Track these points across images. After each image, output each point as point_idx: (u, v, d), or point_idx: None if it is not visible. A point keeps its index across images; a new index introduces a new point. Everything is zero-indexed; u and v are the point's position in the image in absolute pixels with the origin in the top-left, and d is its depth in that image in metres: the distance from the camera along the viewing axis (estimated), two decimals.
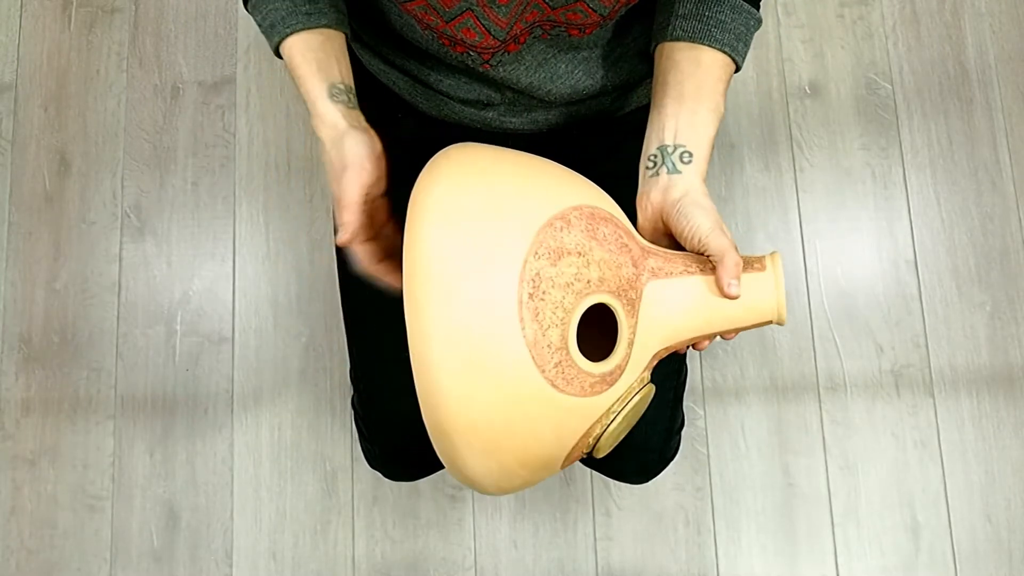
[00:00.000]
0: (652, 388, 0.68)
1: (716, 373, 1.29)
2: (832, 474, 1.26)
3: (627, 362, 0.64)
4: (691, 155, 0.70)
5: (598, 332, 0.66)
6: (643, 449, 0.88)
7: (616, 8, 0.72)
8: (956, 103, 1.38)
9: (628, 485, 1.25)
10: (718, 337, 0.70)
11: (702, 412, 1.28)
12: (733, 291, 0.63)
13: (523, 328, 0.59)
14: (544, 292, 0.60)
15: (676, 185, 0.69)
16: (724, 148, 1.37)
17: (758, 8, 0.76)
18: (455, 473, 0.66)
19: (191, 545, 1.27)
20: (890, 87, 1.39)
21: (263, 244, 1.36)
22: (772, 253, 0.65)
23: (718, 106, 0.72)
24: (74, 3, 1.46)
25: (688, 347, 0.70)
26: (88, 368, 1.33)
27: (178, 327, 1.34)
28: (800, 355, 1.30)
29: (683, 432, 0.96)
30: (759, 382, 1.29)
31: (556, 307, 0.60)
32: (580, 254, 0.62)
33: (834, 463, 1.26)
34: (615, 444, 0.69)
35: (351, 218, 0.68)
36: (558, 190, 0.65)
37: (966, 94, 1.38)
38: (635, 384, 0.65)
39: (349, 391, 1.30)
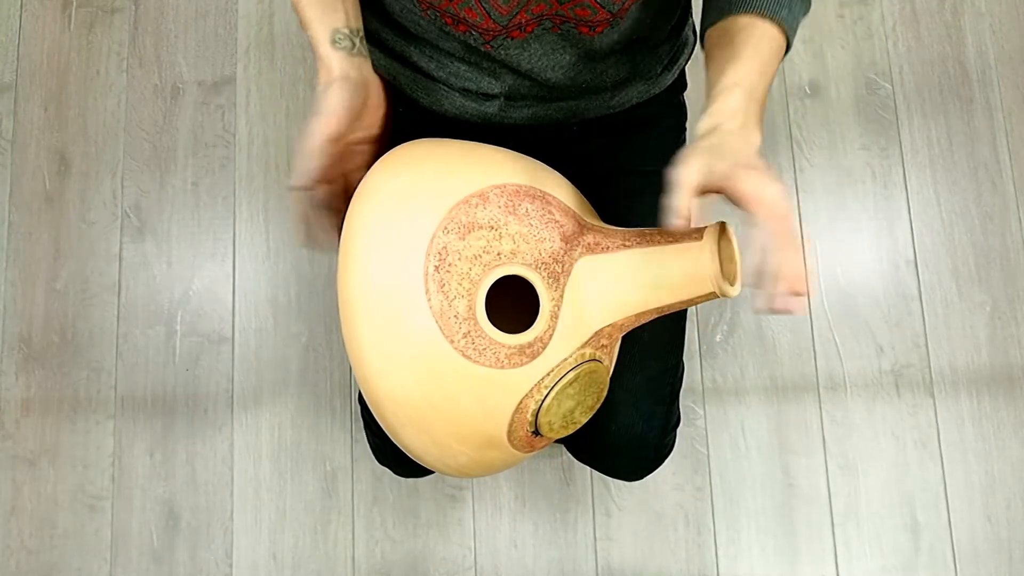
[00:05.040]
0: (600, 366, 0.67)
1: (716, 373, 1.29)
2: (832, 474, 1.26)
3: (551, 335, 0.64)
4: (737, 86, 0.67)
5: (530, 309, 0.67)
6: (638, 446, 0.88)
7: (626, 6, 0.71)
8: (956, 103, 1.38)
9: (628, 485, 1.25)
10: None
11: (702, 412, 1.28)
12: (671, 216, 0.58)
13: (429, 299, 0.61)
14: (450, 264, 0.62)
15: (704, 121, 0.66)
16: None
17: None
18: (402, 448, 0.67)
19: (191, 545, 1.27)
20: (890, 87, 1.39)
21: (263, 244, 1.36)
22: (716, 223, 0.63)
23: (756, 56, 0.68)
24: (74, 3, 1.46)
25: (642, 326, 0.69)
26: (88, 368, 1.33)
27: (178, 327, 1.34)
28: (800, 355, 1.30)
29: (683, 432, 0.96)
30: (759, 382, 1.29)
31: (462, 278, 0.62)
32: (492, 228, 0.63)
33: (834, 463, 1.26)
34: (572, 424, 0.68)
35: (305, 165, 0.70)
36: (484, 171, 0.67)
37: (966, 94, 1.38)
38: (570, 359, 0.65)
39: (349, 391, 1.30)
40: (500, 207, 0.65)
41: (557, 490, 1.26)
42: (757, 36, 0.69)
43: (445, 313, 0.62)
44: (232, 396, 1.31)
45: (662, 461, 0.91)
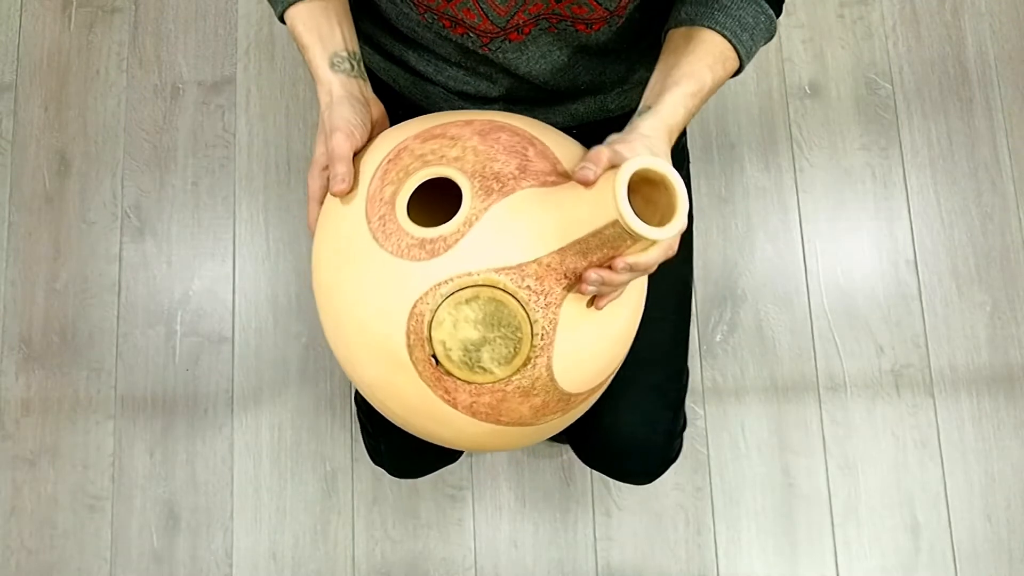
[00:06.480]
0: (514, 303, 0.62)
1: (716, 373, 1.29)
2: (832, 474, 1.26)
3: (458, 240, 0.63)
4: (649, 108, 0.70)
5: None
6: (645, 451, 0.88)
7: (624, 3, 0.72)
8: (956, 103, 1.38)
9: (628, 485, 1.25)
10: (629, 276, 0.63)
11: (702, 412, 1.28)
12: (583, 173, 0.59)
13: (370, 183, 0.67)
14: (399, 158, 0.67)
15: (623, 131, 0.70)
16: (724, 148, 1.37)
17: (777, 13, 0.75)
18: (331, 348, 0.72)
19: (191, 545, 1.27)
20: (890, 87, 1.39)
21: (263, 244, 1.36)
22: (645, 156, 0.59)
23: (694, 72, 0.71)
24: (74, 3, 1.46)
25: (577, 284, 0.64)
26: (88, 368, 1.33)
27: (178, 327, 1.34)
28: (800, 355, 1.30)
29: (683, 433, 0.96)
30: (759, 382, 1.29)
31: (401, 170, 0.66)
32: (452, 139, 0.67)
33: (834, 463, 1.26)
34: (477, 366, 0.63)
35: (347, 168, 0.70)
36: (487, 115, 0.71)
37: (966, 94, 1.38)
38: (475, 275, 0.62)
39: (349, 391, 1.30)
40: (474, 130, 0.67)
41: (557, 490, 1.26)
42: (716, 53, 0.73)
43: (374, 196, 0.66)
44: (232, 396, 1.31)
45: (669, 465, 0.91)
